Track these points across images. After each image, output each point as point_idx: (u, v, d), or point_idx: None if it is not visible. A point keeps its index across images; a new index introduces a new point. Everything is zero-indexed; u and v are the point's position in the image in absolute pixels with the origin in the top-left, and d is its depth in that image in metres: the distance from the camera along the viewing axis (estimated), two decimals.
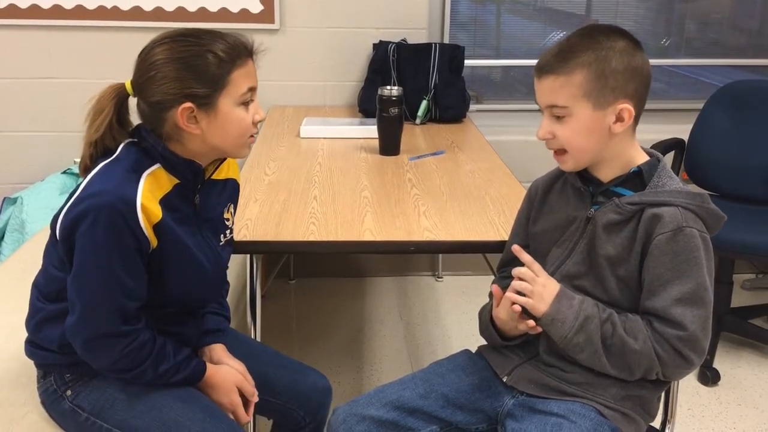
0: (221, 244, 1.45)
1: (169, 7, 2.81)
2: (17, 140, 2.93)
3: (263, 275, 2.81)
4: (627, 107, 1.26)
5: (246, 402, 1.44)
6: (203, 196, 1.39)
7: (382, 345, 2.68)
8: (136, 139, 1.32)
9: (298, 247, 1.71)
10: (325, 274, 3.19)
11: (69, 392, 1.37)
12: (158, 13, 2.81)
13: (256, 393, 1.45)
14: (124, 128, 1.34)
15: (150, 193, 1.26)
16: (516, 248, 1.34)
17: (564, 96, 1.26)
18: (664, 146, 2.72)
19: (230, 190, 1.50)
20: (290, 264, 3.16)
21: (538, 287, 1.29)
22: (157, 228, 1.26)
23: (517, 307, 1.31)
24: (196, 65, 1.25)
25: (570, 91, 1.25)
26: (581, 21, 3.18)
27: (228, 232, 1.48)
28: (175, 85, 1.25)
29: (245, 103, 1.31)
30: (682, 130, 2.81)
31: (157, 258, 1.29)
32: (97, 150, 1.32)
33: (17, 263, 2.06)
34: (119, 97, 1.31)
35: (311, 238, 1.63)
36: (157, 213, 1.26)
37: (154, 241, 1.27)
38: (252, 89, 1.32)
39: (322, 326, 2.81)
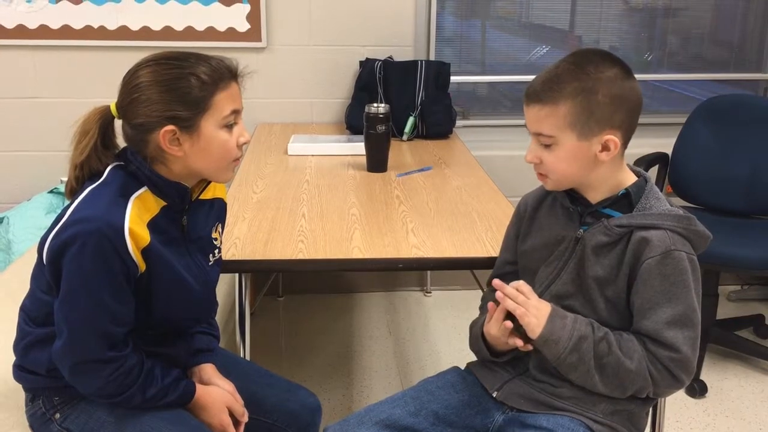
0: (210, 264, 1.45)
1: (156, 27, 2.82)
2: (3, 160, 2.92)
3: (252, 293, 2.81)
4: (612, 138, 1.27)
5: (236, 422, 1.44)
6: (191, 216, 1.39)
7: (371, 361, 2.68)
8: (122, 162, 1.32)
9: (286, 266, 1.71)
10: (314, 290, 3.19)
11: (57, 415, 1.36)
12: (145, 33, 2.82)
13: (246, 413, 1.45)
14: (110, 150, 1.34)
15: (138, 216, 1.26)
16: (496, 282, 1.33)
17: (549, 126, 1.28)
18: (648, 160, 2.75)
19: (218, 210, 1.50)
20: (279, 281, 3.16)
21: (533, 309, 1.29)
22: (145, 252, 1.26)
23: (509, 324, 1.32)
24: (178, 88, 1.25)
25: (555, 121, 1.27)
26: (565, 36, 3.22)
27: (216, 251, 1.48)
28: (158, 108, 1.25)
29: (229, 126, 1.31)
30: (665, 144, 2.85)
31: (145, 281, 1.29)
32: (83, 172, 1.32)
33: (4, 284, 2.05)
34: (104, 119, 1.32)
35: (300, 257, 1.63)
36: (146, 237, 1.26)
37: (142, 266, 1.27)
38: (236, 112, 1.32)
39: (311, 343, 2.80)
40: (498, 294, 1.33)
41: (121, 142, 1.35)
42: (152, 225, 1.29)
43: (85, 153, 1.31)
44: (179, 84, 1.26)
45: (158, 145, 1.28)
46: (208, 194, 1.46)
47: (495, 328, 1.38)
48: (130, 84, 1.27)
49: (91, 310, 1.23)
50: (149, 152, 1.30)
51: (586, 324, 1.30)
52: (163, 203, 1.32)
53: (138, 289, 1.29)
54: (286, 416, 1.54)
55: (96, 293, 1.22)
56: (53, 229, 1.25)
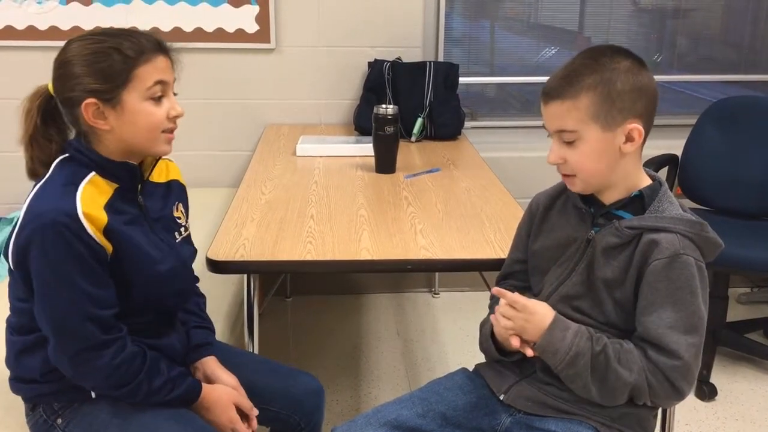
0: (177, 241, 1.46)
1: (166, 28, 2.83)
2: (13, 160, 2.92)
3: (260, 294, 2.82)
4: (636, 127, 1.26)
5: (245, 417, 1.44)
6: (146, 198, 1.41)
7: (379, 362, 2.68)
8: (67, 155, 1.33)
9: (295, 267, 1.71)
10: (322, 291, 3.19)
11: (60, 421, 1.36)
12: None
13: (255, 408, 1.45)
14: (51, 128, 1.35)
15: (91, 201, 1.26)
16: (496, 290, 1.34)
17: (572, 120, 1.26)
18: (657, 162, 2.74)
19: (176, 191, 1.51)
20: (287, 282, 3.16)
21: (520, 322, 1.30)
22: (106, 233, 1.27)
23: (516, 340, 1.31)
24: (99, 62, 1.27)
25: (577, 115, 1.25)
26: (574, 37, 3.21)
27: (183, 230, 1.49)
28: (78, 81, 1.28)
29: (155, 98, 1.32)
30: (675, 145, 2.83)
31: (117, 263, 1.30)
32: (34, 151, 1.34)
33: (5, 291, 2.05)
34: (43, 97, 1.35)
35: (308, 258, 1.63)
36: (102, 218, 1.27)
37: (108, 246, 1.28)
38: (161, 83, 1.32)
39: (319, 344, 2.81)
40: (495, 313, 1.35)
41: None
42: (109, 207, 1.29)
43: (30, 131, 1.34)
44: (100, 58, 1.28)
45: (86, 121, 1.30)
46: (161, 177, 1.48)
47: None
48: (58, 60, 1.31)
49: (68, 298, 1.23)
50: (83, 129, 1.32)
51: (587, 338, 1.28)
52: (116, 185, 1.33)
53: (113, 272, 1.29)
54: (290, 403, 1.55)
55: (69, 281, 1.23)
56: (13, 233, 1.26)
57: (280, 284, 3.12)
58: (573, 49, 3.21)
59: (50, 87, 1.34)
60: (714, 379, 2.50)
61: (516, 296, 1.31)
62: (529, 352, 1.32)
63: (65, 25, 2.80)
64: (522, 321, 1.30)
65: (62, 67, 1.29)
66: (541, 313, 1.29)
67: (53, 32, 2.80)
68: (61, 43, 3.01)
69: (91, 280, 1.25)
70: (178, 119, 1.36)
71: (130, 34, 1.31)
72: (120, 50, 1.28)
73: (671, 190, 1.35)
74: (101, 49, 1.28)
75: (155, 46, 1.32)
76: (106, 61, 1.27)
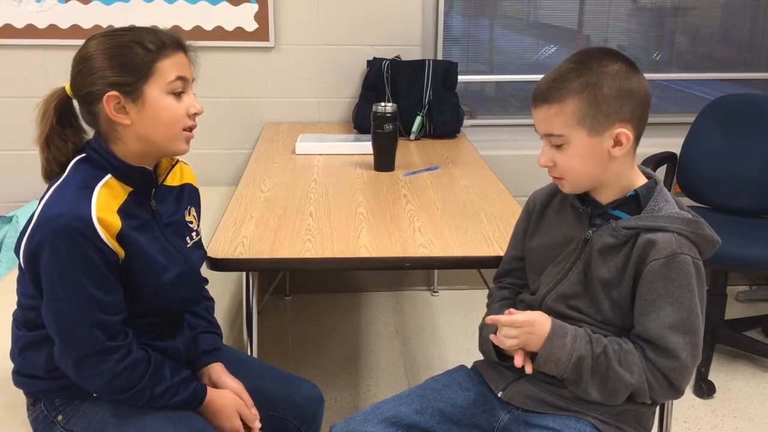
0: (188, 246, 1.46)
1: (165, 26, 2.82)
2: (13, 159, 2.94)
3: (259, 292, 2.82)
4: (624, 131, 1.26)
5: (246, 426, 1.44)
6: (159, 202, 1.41)
7: (378, 360, 2.68)
8: (84, 155, 1.33)
9: (294, 264, 1.72)
10: (321, 289, 3.19)
11: (60, 417, 1.36)
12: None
13: (257, 420, 1.44)
14: (67, 129, 1.35)
15: (105, 204, 1.26)
16: (489, 319, 1.34)
17: (559, 125, 1.26)
18: (656, 160, 2.74)
19: (189, 194, 1.51)
20: (286, 280, 3.17)
21: (524, 336, 1.30)
22: (119, 238, 1.27)
23: (519, 359, 1.32)
24: (121, 55, 1.28)
25: (564, 119, 1.26)
26: (573, 36, 3.21)
27: (194, 234, 1.49)
28: (100, 75, 1.27)
29: (176, 93, 1.32)
30: (674, 143, 2.84)
31: (127, 267, 1.29)
32: (51, 153, 1.34)
33: (10, 284, 2.05)
34: (60, 99, 1.34)
35: (307, 255, 1.63)
36: (116, 223, 1.27)
37: (120, 252, 1.27)
38: (182, 78, 1.32)
39: (318, 342, 2.81)
40: (494, 336, 1.35)
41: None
42: (122, 211, 1.29)
43: (45, 133, 1.33)
44: (122, 52, 1.28)
45: (107, 117, 1.29)
46: (175, 181, 1.48)
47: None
48: (78, 56, 1.30)
49: (76, 303, 1.23)
50: (102, 128, 1.31)
51: (586, 342, 1.29)
52: (130, 189, 1.33)
53: (121, 277, 1.29)
54: (292, 408, 1.55)
55: (79, 286, 1.22)
56: (26, 231, 1.25)
57: (279, 282, 3.13)
58: (572, 48, 3.21)
59: (67, 88, 1.33)
60: (712, 376, 2.51)
61: (512, 317, 1.31)
62: (528, 369, 1.32)
63: (64, 24, 2.80)
64: (526, 335, 1.30)
65: (83, 62, 1.29)
66: (539, 321, 1.30)
67: (52, 31, 2.80)
68: (61, 42, 3.01)
69: (100, 286, 1.24)
70: (198, 117, 1.37)
71: (151, 30, 1.32)
72: (141, 44, 1.28)
73: (670, 188, 1.36)
74: (123, 42, 1.28)
75: (175, 43, 1.32)
76: (127, 54, 1.28)
